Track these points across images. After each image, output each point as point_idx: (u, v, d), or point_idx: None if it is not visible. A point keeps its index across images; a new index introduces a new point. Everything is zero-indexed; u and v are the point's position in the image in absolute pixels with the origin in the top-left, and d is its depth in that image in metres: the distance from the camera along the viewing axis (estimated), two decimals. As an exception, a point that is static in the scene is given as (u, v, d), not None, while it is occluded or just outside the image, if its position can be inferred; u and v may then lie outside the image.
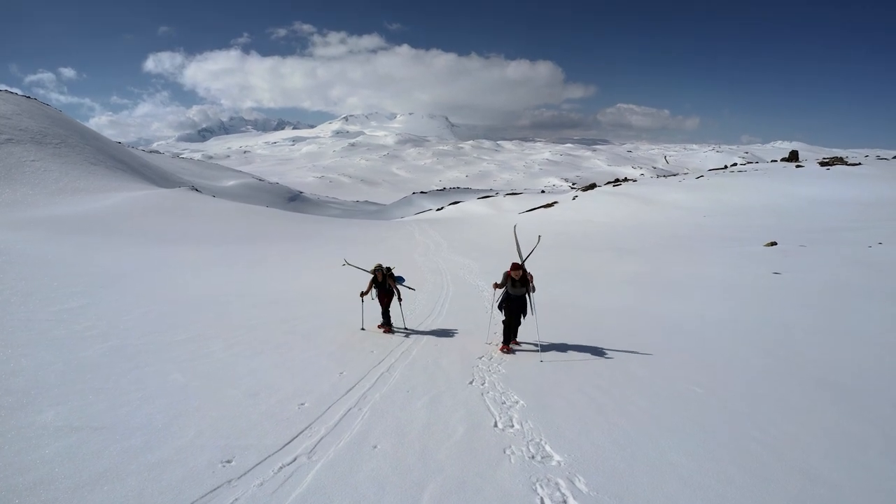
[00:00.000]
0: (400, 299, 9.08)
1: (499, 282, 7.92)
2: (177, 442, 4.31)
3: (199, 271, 15.46)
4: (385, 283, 8.89)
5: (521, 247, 8.25)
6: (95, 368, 6.09)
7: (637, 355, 7.44)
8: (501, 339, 7.87)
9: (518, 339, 7.94)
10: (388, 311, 8.97)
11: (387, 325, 8.89)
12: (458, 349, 7.70)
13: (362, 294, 8.96)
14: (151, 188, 39.64)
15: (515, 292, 7.70)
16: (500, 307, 7.94)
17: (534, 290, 7.75)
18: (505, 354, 7.45)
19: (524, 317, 7.80)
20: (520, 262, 7.74)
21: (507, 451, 4.36)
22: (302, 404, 5.29)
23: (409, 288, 9.89)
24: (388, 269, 9.12)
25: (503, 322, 7.87)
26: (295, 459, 4.13)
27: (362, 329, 8.80)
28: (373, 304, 9.07)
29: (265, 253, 20.71)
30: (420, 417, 5.05)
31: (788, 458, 4.34)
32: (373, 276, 8.90)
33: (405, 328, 9.10)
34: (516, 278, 7.65)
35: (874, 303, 10.58)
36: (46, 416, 4.68)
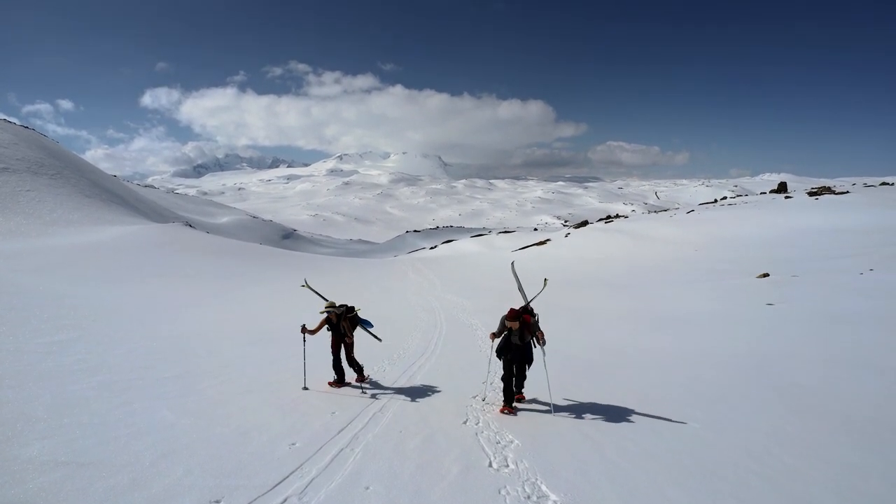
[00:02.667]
0: (351, 350, 7.51)
1: (495, 331, 6.75)
2: (165, 480, 4.22)
3: (190, 307, 15.33)
4: (339, 328, 7.40)
5: (523, 286, 7.44)
6: (84, 403, 6.00)
7: (632, 391, 7.40)
8: (503, 399, 6.71)
9: (524, 394, 6.97)
10: (340, 363, 7.50)
11: (339, 382, 7.48)
12: (452, 388, 7.63)
13: (304, 329, 7.38)
14: (145, 223, 39.59)
15: (516, 341, 6.64)
16: (498, 355, 6.82)
17: (543, 343, 6.64)
18: (505, 415, 6.34)
19: (528, 367, 6.79)
20: (517, 308, 6.65)
21: (503, 492, 4.30)
22: (293, 444, 5.21)
23: (376, 338, 8.35)
24: (350, 308, 7.60)
25: (502, 379, 6.74)
26: (285, 500, 4.05)
27: (304, 388, 7.19)
28: (322, 350, 7.82)
29: (258, 290, 20.59)
30: (413, 458, 4.98)
31: (789, 491, 4.30)
32: (325, 316, 7.36)
33: (362, 385, 7.55)
34: (513, 329, 6.52)
35: (868, 330, 10.60)
36: (32, 449, 4.59)
